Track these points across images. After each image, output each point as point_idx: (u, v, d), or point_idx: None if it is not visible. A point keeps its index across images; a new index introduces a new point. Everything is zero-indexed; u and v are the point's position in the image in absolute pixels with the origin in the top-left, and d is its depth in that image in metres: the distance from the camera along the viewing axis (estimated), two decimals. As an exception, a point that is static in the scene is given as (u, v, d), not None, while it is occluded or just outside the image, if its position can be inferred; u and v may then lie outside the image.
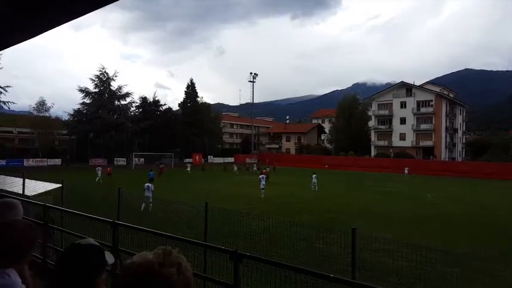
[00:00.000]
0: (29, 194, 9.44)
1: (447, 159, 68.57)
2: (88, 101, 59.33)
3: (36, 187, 10.40)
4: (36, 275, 2.18)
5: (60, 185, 9.83)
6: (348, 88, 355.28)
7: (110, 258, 1.55)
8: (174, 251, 1.01)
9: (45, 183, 11.08)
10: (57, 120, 57.46)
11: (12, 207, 2.41)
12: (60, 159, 51.22)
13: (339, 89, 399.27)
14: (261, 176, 24.45)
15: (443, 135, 69.94)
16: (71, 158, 52.71)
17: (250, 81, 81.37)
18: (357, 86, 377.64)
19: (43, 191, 10.22)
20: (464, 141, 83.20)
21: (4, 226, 1.88)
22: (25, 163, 46.34)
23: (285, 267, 3.70)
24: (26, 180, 10.53)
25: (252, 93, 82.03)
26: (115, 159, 55.28)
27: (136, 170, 44.94)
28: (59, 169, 41.83)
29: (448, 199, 25.03)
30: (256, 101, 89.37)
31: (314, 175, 27.48)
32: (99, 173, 31.29)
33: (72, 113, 58.80)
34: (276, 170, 44.85)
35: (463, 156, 79.35)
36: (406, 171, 48.94)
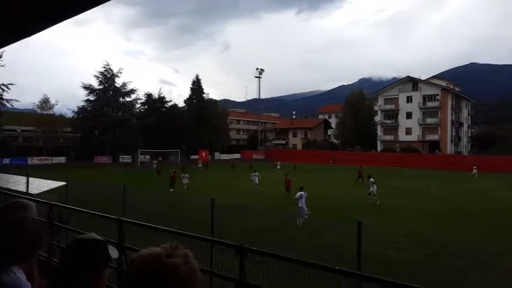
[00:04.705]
0: (32, 192, 9.47)
1: (453, 153, 68.17)
2: (92, 98, 59.30)
3: (40, 185, 10.43)
4: (41, 273, 2.14)
5: (65, 183, 9.83)
6: (354, 83, 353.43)
7: (113, 252, 1.52)
8: (181, 246, 1.04)
9: (49, 181, 11.12)
10: (61, 117, 57.74)
11: (25, 209, 2.34)
12: (64, 157, 51.55)
13: (346, 84, 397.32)
14: (371, 180, 20.47)
15: (449, 129, 69.46)
16: (76, 155, 53.01)
17: (256, 76, 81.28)
18: (363, 81, 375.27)
19: (47, 189, 10.24)
20: (470, 135, 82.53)
21: (10, 223, 1.85)
22: (29, 161, 46.66)
23: (289, 261, 3.67)
24: (30, 178, 10.56)
25: (258, 89, 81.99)
26: (120, 156, 55.48)
27: (142, 168, 45.08)
28: (64, 167, 42.07)
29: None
30: (262, 96, 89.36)
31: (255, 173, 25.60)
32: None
33: (76, 110, 59.10)
34: (296, 168, 41.33)
35: (469, 150, 78.78)
36: (474, 170, 39.78)
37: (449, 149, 69.19)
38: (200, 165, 43.22)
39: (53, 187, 10.39)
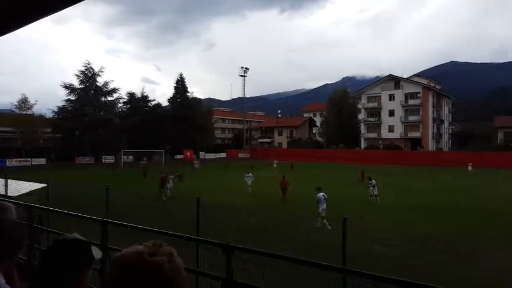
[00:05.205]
0: (11, 195, 9.20)
1: (434, 150, 69.80)
2: (73, 98, 57.93)
3: (19, 187, 10.14)
4: (21, 276, 2.08)
5: (45, 185, 9.60)
6: (338, 82, 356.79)
7: (97, 253, 1.47)
8: (165, 244, 1.01)
9: (28, 183, 10.84)
10: (41, 117, 56.20)
11: (3, 211, 2.25)
12: (45, 159, 50.28)
13: (329, 82, 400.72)
14: (372, 181, 19.59)
15: (430, 126, 71.03)
16: (56, 157, 51.78)
17: (241, 75, 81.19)
18: (347, 80, 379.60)
19: (27, 191, 9.98)
20: (450, 132, 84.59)
21: None
22: (8, 163, 45.13)
23: (275, 257, 3.68)
24: (9, 180, 10.26)
25: (243, 87, 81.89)
26: (103, 157, 54.51)
27: (125, 168, 44.45)
28: (44, 168, 41.00)
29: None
30: (247, 95, 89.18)
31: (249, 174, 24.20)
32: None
33: (56, 110, 57.57)
34: (293, 167, 41.08)
35: (450, 146, 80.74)
36: (470, 167, 41.23)
37: (431, 145, 70.79)
38: (197, 165, 41.30)
39: (32, 189, 10.12)
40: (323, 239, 10.23)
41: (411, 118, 71.54)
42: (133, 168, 38.89)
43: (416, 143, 69.96)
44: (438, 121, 75.39)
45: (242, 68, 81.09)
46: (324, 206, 13.23)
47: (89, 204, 10.96)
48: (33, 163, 47.76)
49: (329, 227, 12.37)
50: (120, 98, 63.58)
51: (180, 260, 0.99)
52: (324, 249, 8.51)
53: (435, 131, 73.72)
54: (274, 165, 41.12)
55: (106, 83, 60.17)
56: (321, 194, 13.53)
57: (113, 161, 53.97)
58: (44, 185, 10.01)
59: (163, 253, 0.96)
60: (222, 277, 3.66)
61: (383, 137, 72.58)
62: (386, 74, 78.09)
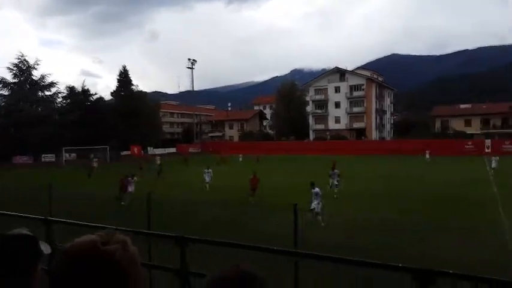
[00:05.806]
0: None
1: (377, 139, 73.99)
2: (6, 93, 53.85)
3: None
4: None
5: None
6: (287, 74, 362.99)
7: (46, 248, 1.41)
8: (119, 232, 0.98)
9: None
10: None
11: None
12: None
13: (279, 75, 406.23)
14: (335, 171, 19.03)
15: (373, 116, 75.03)
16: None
17: (188, 67, 79.28)
18: (295, 72, 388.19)
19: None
20: (392, 122, 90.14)
21: None
22: None
23: (227, 245, 3.76)
24: None
25: (191, 80, 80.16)
26: (42, 155, 50.97)
27: (67, 166, 41.89)
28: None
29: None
30: (196, 88, 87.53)
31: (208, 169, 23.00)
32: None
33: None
34: (259, 160, 40.16)
35: (391, 135, 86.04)
36: (427, 155, 40.86)
37: (374, 135, 74.92)
38: (158, 162, 36.92)
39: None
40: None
41: (356, 109, 75.03)
42: (76, 167, 36.76)
43: (360, 133, 73.67)
44: (381, 112, 79.82)
45: (189, 60, 79.17)
46: (318, 201, 12.87)
47: (29, 205, 10.25)
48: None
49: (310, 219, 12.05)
50: (59, 93, 59.97)
51: (134, 248, 0.95)
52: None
53: (378, 121, 78.00)
54: (240, 159, 42.80)
55: (43, 77, 56.27)
56: (317, 189, 13.17)
57: (53, 159, 50.59)
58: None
59: (117, 241, 0.92)
60: (175, 268, 3.67)
61: (330, 128, 75.43)
62: (333, 66, 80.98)
